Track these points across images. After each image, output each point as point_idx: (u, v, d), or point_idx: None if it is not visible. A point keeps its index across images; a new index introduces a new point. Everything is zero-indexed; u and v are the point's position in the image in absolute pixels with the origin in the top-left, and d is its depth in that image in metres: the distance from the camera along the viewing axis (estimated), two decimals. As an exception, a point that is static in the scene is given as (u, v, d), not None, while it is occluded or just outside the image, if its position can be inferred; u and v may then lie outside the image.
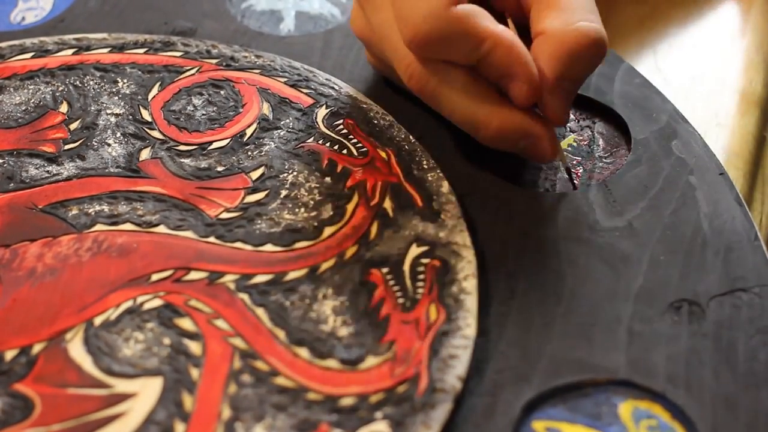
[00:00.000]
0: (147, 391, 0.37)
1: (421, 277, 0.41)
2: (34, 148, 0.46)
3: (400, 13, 0.42)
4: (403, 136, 0.46)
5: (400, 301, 0.40)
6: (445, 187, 0.44)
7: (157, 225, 0.43)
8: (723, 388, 0.38)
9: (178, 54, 0.51)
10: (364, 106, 0.48)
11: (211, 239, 0.42)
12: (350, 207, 0.44)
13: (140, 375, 0.38)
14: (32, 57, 0.51)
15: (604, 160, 0.47)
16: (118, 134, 0.47)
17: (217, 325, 0.39)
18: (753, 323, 0.40)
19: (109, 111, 0.48)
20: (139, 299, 0.40)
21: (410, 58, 0.43)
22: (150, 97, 0.49)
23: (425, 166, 0.45)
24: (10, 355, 0.39)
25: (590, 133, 0.48)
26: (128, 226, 0.43)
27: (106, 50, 0.51)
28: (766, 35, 0.57)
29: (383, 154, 0.46)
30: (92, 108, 0.48)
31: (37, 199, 0.44)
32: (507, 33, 0.42)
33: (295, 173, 0.45)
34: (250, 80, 0.49)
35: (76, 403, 0.37)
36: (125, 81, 0.50)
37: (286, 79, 0.49)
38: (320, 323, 0.39)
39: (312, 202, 0.44)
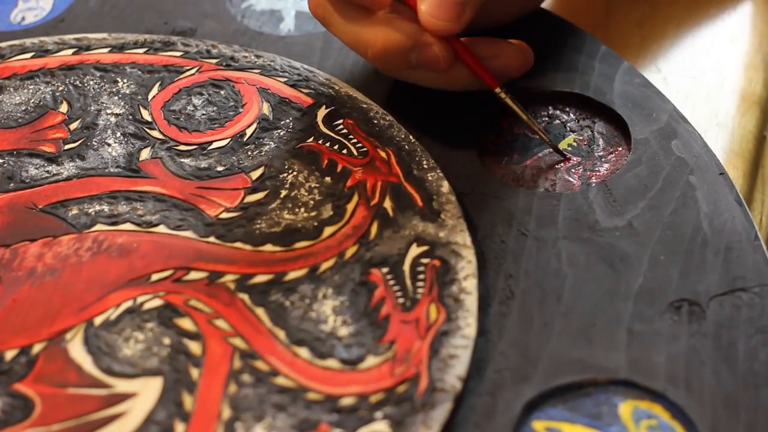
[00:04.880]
0: (147, 391, 0.37)
1: (421, 277, 0.41)
2: (34, 148, 0.46)
3: None
4: (403, 136, 0.46)
5: (400, 300, 0.40)
6: (445, 187, 0.44)
7: (157, 225, 0.43)
8: (723, 388, 0.38)
9: (178, 54, 0.51)
10: (364, 106, 0.48)
11: (211, 239, 0.42)
12: (350, 207, 0.44)
13: (140, 375, 0.38)
14: (32, 57, 0.51)
15: (604, 160, 0.47)
16: (118, 134, 0.47)
17: (217, 325, 0.39)
18: (753, 323, 0.40)
19: (109, 111, 0.48)
20: (139, 299, 0.40)
21: None
22: (150, 96, 0.49)
23: (425, 166, 0.45)
24: (10, 355, 0.39)
25: (590, 132, 0.48)
26: (128, 226, 0.43)
27: (106, 50, 0.51)
28: (765, 36, 0.57)
29: (383, 154, 0.46)
30: (92, 108, 0.48)
31: (37, 199, 0.44)
32: None
33: (294, 173, 0.45)
34: (250, 80, 0.49)
35: (76, 403, 0.37)
36: (125, 81, 0.50)
37: (286, 79, 0.49)
38: (320, 323, 0.39)
39: (312, 202, 0.44)
